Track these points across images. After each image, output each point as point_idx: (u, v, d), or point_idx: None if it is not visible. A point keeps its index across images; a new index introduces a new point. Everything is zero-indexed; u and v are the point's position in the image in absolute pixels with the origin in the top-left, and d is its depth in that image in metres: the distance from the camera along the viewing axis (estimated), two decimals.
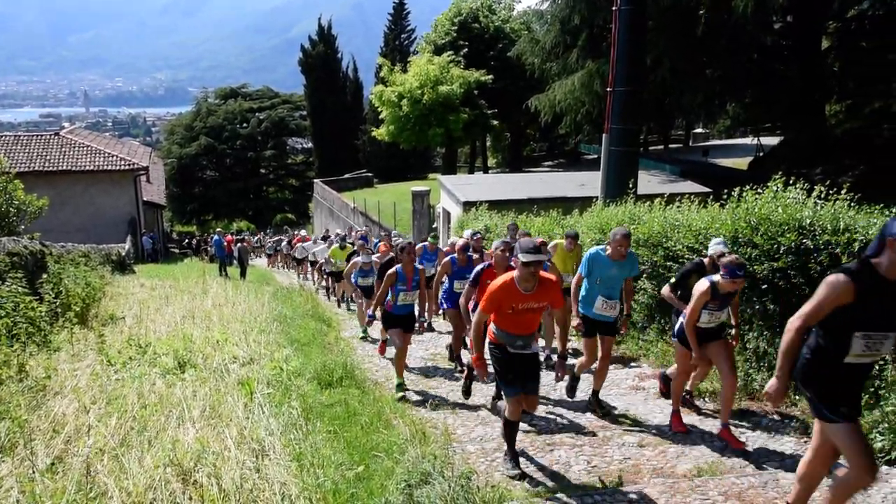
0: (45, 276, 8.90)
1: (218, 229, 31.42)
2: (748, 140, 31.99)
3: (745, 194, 6.52)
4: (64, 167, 25.49)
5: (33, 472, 3.99)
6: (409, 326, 7.33)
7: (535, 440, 5.56)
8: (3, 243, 8.77)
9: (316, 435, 5.05)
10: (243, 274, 20.53)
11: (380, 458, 4.72)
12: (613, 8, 12.80)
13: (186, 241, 42.63)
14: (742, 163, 27.36)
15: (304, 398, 6.00)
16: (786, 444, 5.26)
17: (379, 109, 38.42)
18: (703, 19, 17.91)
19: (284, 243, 25.93)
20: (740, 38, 18.95)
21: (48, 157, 25.72)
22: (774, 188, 6.30)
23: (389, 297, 7.19)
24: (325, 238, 18.90)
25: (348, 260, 12.00)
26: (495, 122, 38.39)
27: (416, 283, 7.18)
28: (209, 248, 27.53)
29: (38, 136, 27.97)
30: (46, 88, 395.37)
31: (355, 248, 12.44)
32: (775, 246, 5.93)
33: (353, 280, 10.53)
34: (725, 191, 7.00)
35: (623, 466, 4.97)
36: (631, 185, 10.54)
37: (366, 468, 4.55)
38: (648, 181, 19.87)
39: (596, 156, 34.77)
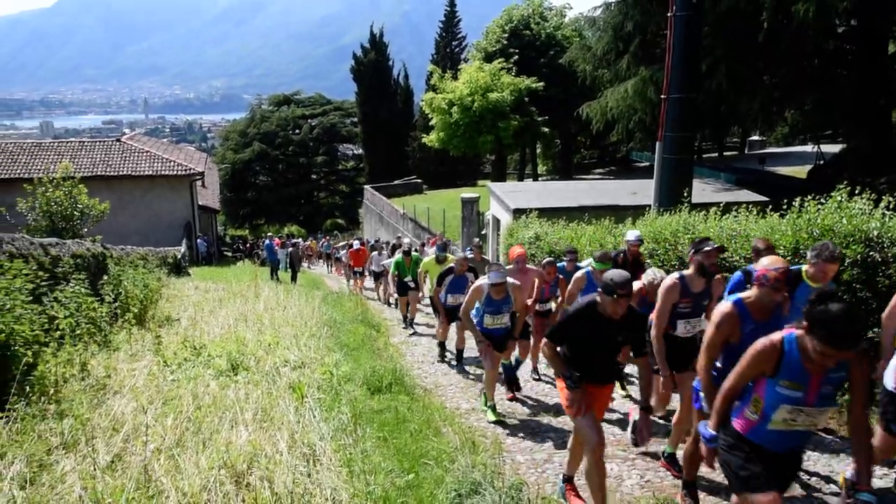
0: (105, 277, 9.15)
1: (269, 234, 31.99)
2: (807, 148, 31.03)
3: (806, 204, 6.30)
4: (124, 172, 26.30)
5: (94, 469, 4.09)
6: None
7: None
8: (68, 246, 9.07)
9: (366, 441, 5.06)
10: (294, 278, 20.83)
11: (429, 466, 4.69)
12: (669, 14, 12.57)
13: (239, 244, 43.57)
14: (800, 171, 26.56)
15: (354, 403, 6.02)
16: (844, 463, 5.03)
17: (429, 116, 38.68)
18: (763, 24, 17.43)
19: (343, 252, 25.56)
20: (801, 44, 18.38)
21: (110, 163, 26.56)
22: (839, 198, 6.07)
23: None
24: (394, 249, 16.52)
25: (440, 281, 8.66)
26: (546, 130, 38.20)
27: None
28: (261, 252, 28.05)
29: (100, 142, 28.95)
30: (109, 96, 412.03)
31: (452, 263, 8.90)
32: (840, 258, 5.70)
33: (475, 320, 6.59)
34: (785, 200, 6.77)
35: (677, 483, 4.84)
36: (685, 194, 10.30)
37: (415, 476, 4.53)
38: (703, 190, 19.44)
39: (647, 163, 34.27)
